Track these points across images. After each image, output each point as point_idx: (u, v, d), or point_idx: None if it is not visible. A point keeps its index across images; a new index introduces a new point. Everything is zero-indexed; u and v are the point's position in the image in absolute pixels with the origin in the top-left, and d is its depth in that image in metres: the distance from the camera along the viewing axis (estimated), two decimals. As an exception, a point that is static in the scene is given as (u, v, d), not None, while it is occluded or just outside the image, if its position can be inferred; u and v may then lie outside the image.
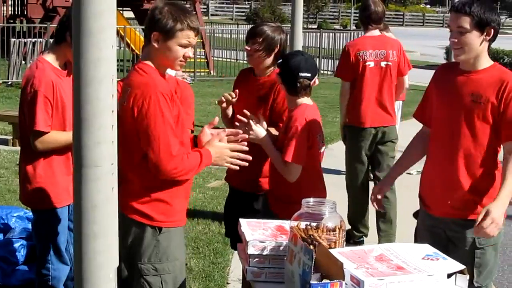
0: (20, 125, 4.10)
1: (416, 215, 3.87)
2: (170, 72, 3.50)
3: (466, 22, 3.40)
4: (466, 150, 3.49)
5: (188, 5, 14.94)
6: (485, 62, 3.50)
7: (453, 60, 3.62)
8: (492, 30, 3.43)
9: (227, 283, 5.36)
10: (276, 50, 4.25)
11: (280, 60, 4.01)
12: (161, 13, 3.26)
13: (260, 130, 3.97)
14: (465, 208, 3.53)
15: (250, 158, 3.50)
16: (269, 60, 4.27)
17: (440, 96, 3.61)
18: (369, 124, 6.11)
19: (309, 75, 3.89)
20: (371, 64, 6.08)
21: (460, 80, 3.52)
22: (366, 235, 6.35)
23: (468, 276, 2.61)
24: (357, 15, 6.37)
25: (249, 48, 4.29)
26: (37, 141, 3.95)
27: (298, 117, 3.86)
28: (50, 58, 4.07)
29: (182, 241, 3.50)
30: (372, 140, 6.14)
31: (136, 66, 3.33)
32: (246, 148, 3.52)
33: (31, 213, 4.65)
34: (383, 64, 6.11)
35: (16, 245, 5.07)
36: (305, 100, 3.94)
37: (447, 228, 3.60)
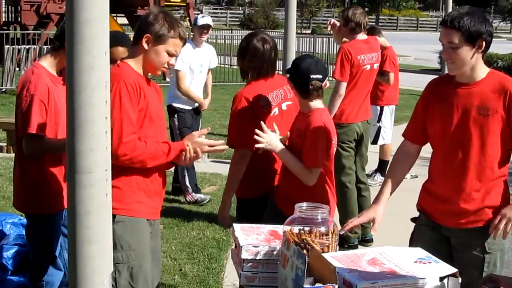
0: (16, 131, 4.09)
1: (414, 220, 3.85)
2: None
3: (456, 37, 3.34)
4: (476, 162, 3.44)
5: (181, 11, 14.92)
6: (482, 72, 3.44)
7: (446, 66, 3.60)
8: (484, 42, 3.37)
9: (222, 288, 5.37)
10: (246, 54, 4.28)
11: (290, 65, 4.07)
12: (156, 19, 3.48)
13: (276, 143, 3.96)
14: (477, 217, 3.49)
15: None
16: (245, 65, 4.32)
17: (441, 111, 3.53)
18: (356, 121, 6.35)
19: (320, 76, 3.93)
20: (367, 67, 6.35)
21: (462, 94, 3.45)
22: (359, 237, 6.43)
23: (460, 279, 2.63)
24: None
25: None
26: (29, 145, 3.94)
27: (316, 123, 3.89)
28: (46, 64, 4.08)
29: (143, 233, 3.51)
30: (355, 137, 6.37)
31: (116, 64, 3.50)
32: (225, 147, 3.62)
33: (25, 220, 4.65)
34: (375, 66, 6.47)
35: (11, 251, 5.06)
36: (318, 104, 3.97)
37: (454, 235, 3.55)
